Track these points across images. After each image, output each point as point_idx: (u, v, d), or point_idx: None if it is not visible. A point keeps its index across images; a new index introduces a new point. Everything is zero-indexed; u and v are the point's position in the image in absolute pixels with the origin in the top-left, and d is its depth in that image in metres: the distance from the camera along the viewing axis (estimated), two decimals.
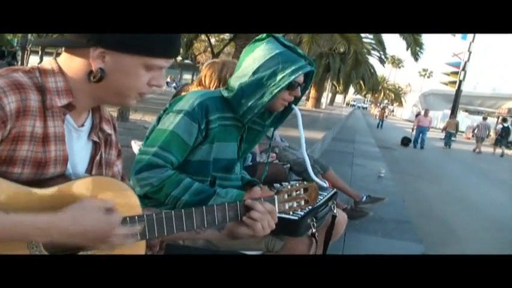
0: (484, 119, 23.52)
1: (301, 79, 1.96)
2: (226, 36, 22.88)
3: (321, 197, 2.24)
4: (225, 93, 1.96)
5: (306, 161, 2.12)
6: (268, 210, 1.43)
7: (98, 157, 1.26)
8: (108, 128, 1.32)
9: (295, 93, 1.98)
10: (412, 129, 19.18)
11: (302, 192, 1.61)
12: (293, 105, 2.05)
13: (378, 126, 30.17)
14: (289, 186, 1.60)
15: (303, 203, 1.62)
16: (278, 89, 1.87)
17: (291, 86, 1.91)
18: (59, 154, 1.12)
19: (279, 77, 1.86)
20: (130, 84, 1.15)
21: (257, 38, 1.96)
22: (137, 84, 1.16)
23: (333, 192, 2.39)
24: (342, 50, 22.48)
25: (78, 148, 1.21)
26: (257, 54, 1.91)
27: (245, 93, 1.90)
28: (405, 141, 18.28)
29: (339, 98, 67.39)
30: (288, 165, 4.16)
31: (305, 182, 1.66)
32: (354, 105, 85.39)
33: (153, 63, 1.15)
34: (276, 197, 1.55)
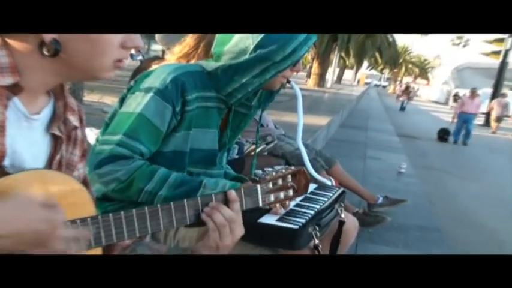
0: None
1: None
2: None
3: (325, 198, 2.26)
4: (209, 68, 1.95)
5: (301, 152, 2.13)
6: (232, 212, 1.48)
7: (58, 156, 1.23)
8: (73, 120, 1.29)
9: (297, 69, 2.00)
10: (453, 118, 17.42)
11: (290, 179, 1.64)
12: (292, 83, 2.06)
13: (401, 109, 30.40)
14: (273, 173, 1.62)
15: (291, 192, 1.65)
16: (289, 62, 1.88)
17: (291, 62, 1.91)
18: None
19: (290, 48, 1.86)
20: (99, 52, 1.13)
21: None
22: (108, 48, 1.14)
23: (340, 192, 2.41)
24: None
25: (29, 142, 1.17)
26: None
27: (240, 68, 1.89)
28: (443, 135, 16.52)
29: (348, 74, 67.49)
30: (284, 158, 4.18)
31: (292, 167, 1.69)
32: (368, 83, 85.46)
33: None
34: (258, 186, 1.58)
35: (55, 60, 1.11)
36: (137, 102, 1.84)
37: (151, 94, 1.83)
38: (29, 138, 1.17)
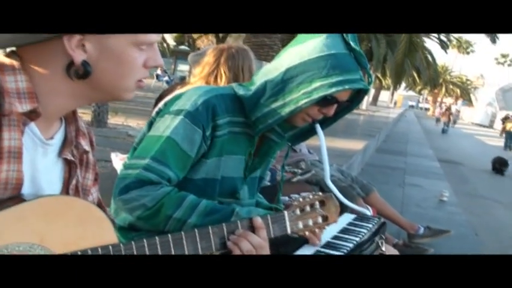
0: None
1: (343, 96, 1.89)
2: None
3: (365, 230, 2.22)
4: (240, 90, 1.94)
5: (332, 189, 2.08)
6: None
7: (74, 181, 1.25)
8: (85, 144, 1.31)
9: (326, 112, 1.91)
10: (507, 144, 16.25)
11: (318, 206, 1.63)
12: (317, 127, 1.99)
13: (443, 132, 30.23)
14: (300, 200, 1.63)
15: (320, 220, 1.65)
16: (307, 100, 1.82)
17: (325, 101, 1.86)
18: (11, 176, 1.09)
19: (316, 84, 1.81)
20: (125, 72, 1.16)
21: None
22: (133, 69, 1.17)
23: (380, 223, 2.37)
24: None
25: (44, 168, 1.19)
26: (306, 47, 1.85)
27: (266, 92, 1.87)
28: (500, 166, 14.49)
29: (384, 95, 67.27)
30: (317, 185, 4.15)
31: (320, 193, 1.69)
32: (412, 107, 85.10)
33: (143, 39, 1.15)
34: (285, 213, 1.58)
35: (81, 82, 1.13)
36: (166, 125, 1.83)
37: (180, 117, 1.83)
38: (44, 164, 1.19)
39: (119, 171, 2.96)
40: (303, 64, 1.83)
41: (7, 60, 1.13)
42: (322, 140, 2.02)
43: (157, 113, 1.95)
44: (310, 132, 2.09)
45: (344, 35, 1.86)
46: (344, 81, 1.81)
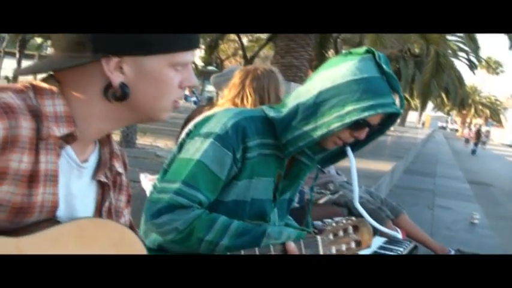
0: None
1: (375, 119, 1.89)
2: (263, 35, 23.12)
3: (397, 254, 2.19)
4: (271, 113, 1.94)
5: (361, 212, 2.05)
6: None
7: (107, 203, 1.26)
8: (118, 166, 1.32)
9: (358, 135, 1.91)
10: None
11: (351, 231, 1.62)
12: (348, 150, 1.98)
13: (472, 153, 29.98)
14: (334, 224, 1.63)
15: (353, 245, 1.64)
16: (339, 124, 1.82)
17: (357, 124, 1.85)
18: (47, 199, 1.10)
19: (348, 108, 1.80)
20: (162, 93, 1.17)
21: (353, 50, 1.92)
22: (170, 90, 1.18)
23: (411, 247, 2.34)
24: (417, 51, 22.40)
25: (79, 190, 1.20)
26: (338, 70, 1.86)
27: (298, 115, 1.87)
28: None
29: (412, 115, 66.88)
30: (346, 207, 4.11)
31: (354, 218, 1.69)
32: (444, 128, 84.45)
33: (179, 60, 1.16)
34: (318, 238, 1.57)
35: (118, 105, 1.14)
36: (196, 148, 1.85)
37: (210, 140, 1.84)
38: (79, 186, 1.20)
39: (147, 192, 2.97)
40: (336, 87, 1.83)
41: (46, 85, 1.14)
42: (353, 164, 2.00)
43: (188, 135, 1.96)
44: (340, 155, 2.08)
45: (377, 57, 1.86)
46: (376, 105, 1.81)
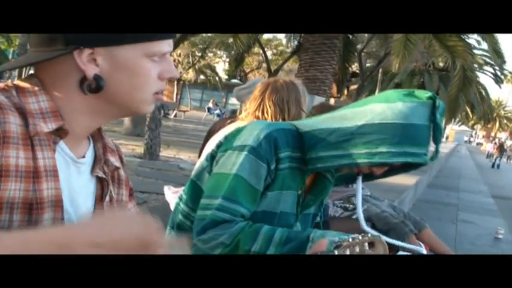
0: None
1: (398, 163, 1.90)
2: (288, 48, 23.16)
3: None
4: (302, 127, 1.95)
5: (371, 231, 2.05)
6: None
7: (107, 197, 1.26)
8: (114, 160, 1.32)
9: (375, 171, 1.94)
10: None
11: (367, 247, 1.63)
12: (359, 177, 2.01)
13: (493, 166, 29.70)
14: (350, 240, 1.63)
15: None
16: (366, 161, 1.83)
17: (380, 164, 1.87)
18: (51, 194, 1.10)
19: (382, 149, 1.81)
20: (139, 84, 1.16)
21: (417, 92, 1.90)
22: (148, 81, 1.16)
23: None
24: (441, 64, 22.27)
25: (80, 186, 1.20)
26: (392, 109, 1.84)
27: (332, 137, 1.87)
28: None
29: None
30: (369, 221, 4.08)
31: (370, 235, 1.68)
32: (469, 142, 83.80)
33: (154, 50, 1.15)
34: (335, 252, 1.58)
35: (96, 97, 1.13)
36: (232, 162, 1.86)
37: (245, 153, 1.86)
38: (80, 183, 1.20)
39: (171, 205, 2.99)
40: (381, 126, 1.83)
41: (27, 83, 1.13)
42: (359, 193, 2.05)
43: (218, 147, 1.98)
44: (354, 178, 2.09)
45: (437, 106, 1.85)
46: (409, 154, 1.82)
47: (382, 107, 1.85)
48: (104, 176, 1.26)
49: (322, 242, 1.77)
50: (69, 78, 1.13)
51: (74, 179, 1.18)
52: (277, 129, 1.93)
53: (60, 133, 1.12)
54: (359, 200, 2.05)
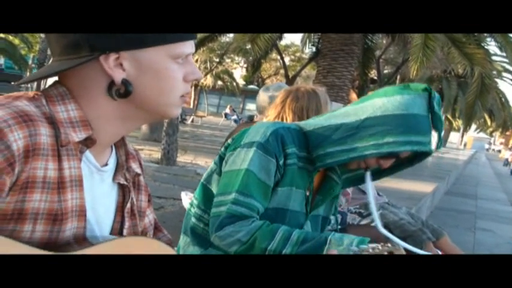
0: None
1: (406, 153, 1.96)
2: (305, 54, 23.15)
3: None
4: (306, 127, 2.00)
5: (392, 238, 2.03)
6: None
7: (128, 204, 1.27)
8: (135, 167, 1.33)
9: (383, 164, 1.98)
10: None
11: None
12: (367, 175, 2.03)
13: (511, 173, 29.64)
14: (369, 249, 1.64)
15: None
16: (374, 151, 1.88)
17: (388, 155, 1.93)
18: (76, 204, 1.10)
19: (388, 139, 1.87)
20: (166, 87, 1.16)
21: (412, 84, 1.97)
22: (174, 83, 1.17)
23: None
24: (460, 71, 22.11)
25: (102, 194, 1.21)
26: (392, 102, 1.91)
27: (337, 133, 1.92)
28: None
29: (453, 136, 65.87)
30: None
31: (389, 245, 1.68)
32: (487, 149, 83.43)
33: (177, 52, 1.15)
34: None
35: (125, 103, 1.14)
36: (241, 159, 1.90)
37: (253, 149, 1.89)
38: (102, 190, 1.20)
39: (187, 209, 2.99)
40: (384, 117, 1.88)
41: (54, 91, 1.13)
42: (369, 189, 2.06)
43: (226, 148, 2.02)
44: (362, 180, 2.10)
45: (433, 97, 1.91)
46: (415, 142, 1.87)
47: (382, 101, 1.91)
48: (125, 182, 1.27)
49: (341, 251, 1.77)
50: (96, 85, 1.13)
51: (96, 187, 1.18)
52: (283, 127, 1.97)
53: (87, 142, 1.13)
54: (371, 196, 2.06)
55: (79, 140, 1.10)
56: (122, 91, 1.12)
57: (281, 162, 1.91)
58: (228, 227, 1.81)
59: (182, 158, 9.62)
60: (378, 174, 2.11)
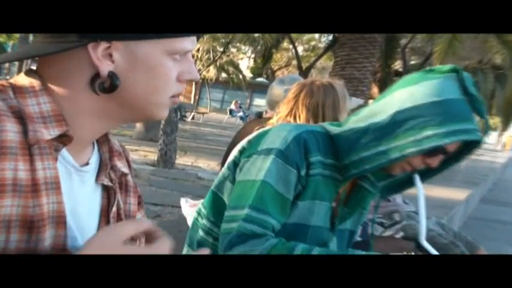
0: None
1: (453, 146, 1.87)
2: (320, 43, 23.12)
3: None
4: (333, 130, 1.94)
5: (429, 250, 2.03)
6: None
7: (114, 208, 1.24)
8: (121, 166, 1.31)
9: (431, 163, 1.89)
10: None
11: None
12: (416, 178, 1.98)
13: None
14: None
15: None
16: (414, 149, 1.79)
17: (433, 151, 1.83)
18: (52, 209, 1.07)
19: (427, 133, 1.78)
20: (158, 85, 1.13)
21: (435, 68, 1.90)
22: (168, 82, 1.14)
23: None
24: (498, 61, 21.97)
25: (83, 197, 1.18)
26: (419, 89, 1.83)
27: (368, 135, 1.86)
28: None
29: (490, 136, 65.55)
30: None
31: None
32: None
33: (176, 47, 1.13)
34: None
35: (107, 99, 1.12)
36: (257, 168, 1.86)
37: (272, 156, 1.85)
38: (83, 193, 1.18)
39: (188, 219, 2.99)
40: (415, 108, 1.81)
41: (26, 81, 1.11)
42: (421, 194, 2.00)
43: (241, 153, 1.99)
44: (406, 184, 2.07)
45: (463, 77, 1.84)
46: (459, 131, 1.78)
47: (408, 90, 1.85)
48: (110, 183, 1.25)
49: None
50: (78, 76, 1.10)
51: (76, 189, 1.16)
52: (306, 130, 1.92)
53: (63, 140, 1.10)
54: (422, 205, 2.00)
55: (51, 138, 1.07)
56: (107, 85, 1.09)
57: (303, 172, 1.86)
58: (238, 247, 1.78)
59: (181, 160, 9.63)
60: (427, 174, 2.01)
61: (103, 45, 1.07)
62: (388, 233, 3.85)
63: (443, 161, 1.93)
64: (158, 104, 1.17)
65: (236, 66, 40.80)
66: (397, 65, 21.54)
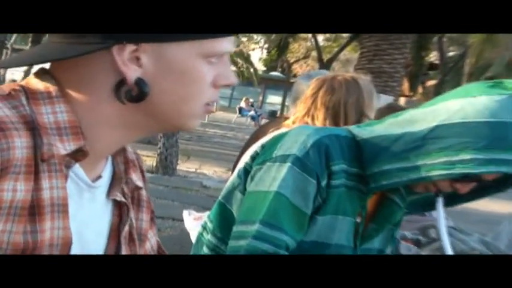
0: None
1: (490, 175, 1.84)
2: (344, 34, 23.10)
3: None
4: (360, 135, 1.92)
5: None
6: None
7: (126, 227, 1.24)
8: (136, 179, 1.30)
9: (460, 189, 1.87)
10: None
11: None
12: (439, 198, 1.95)
13: None
14: None
15: None
16: (444, 172, 1.77)
17: (465, 177, 1.81)
18: (57, 235, 1.06)
19: (465, 156, 1.74)
20: (191, 93, 1.13)
21: (507, 81, 1.84)
22: (202, 89, 1.14)
23: None
24: None
25: (91, 215, 1.17)
26: (474, 104, 1.78)
27: (399, 145, 1.83)
28: None
29: None
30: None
31: None
32: None
33: (213, 49, 1.12)
34: None
35: (133, 108, 1.10)
36: (271, 177, 1.84)
37: (288, 165, 1.82)
38: (92, 212, 1.18)
39: (192, 235, 2.99)
40: (463, 126, 1.77)
41: (40, 85, 1.10)
42: (441, 219, 1.97)
43: (253, 159, 1.97)
44: (433, 204, 2.03)
45: None
46: (501, 161, 1.73)
47: (460, 103, 1.80)
48: (123, 199, 1.24)
49: None
50: (100, 82, 1.09)
51: (85, 208, 1.16)
52: (329, 135, 1.90)
53: (78, 155, 1.09)
54: (442, 229, 1.97)
55: (67, 153, 1.06)
56: (135, 93, 1.08)
57: (324, 183, 1.84)
58: None
59: (184, 166, 9.65)
60: (453, 200, 2.01)
61: (129, 47, 1.06)
62: (423, 253, 3.83)
63: (477, 189, 1.91)
64: (190, 113, 1.16)
65: (247, 58, 40.90)
66: (433, 57, 21.54)
